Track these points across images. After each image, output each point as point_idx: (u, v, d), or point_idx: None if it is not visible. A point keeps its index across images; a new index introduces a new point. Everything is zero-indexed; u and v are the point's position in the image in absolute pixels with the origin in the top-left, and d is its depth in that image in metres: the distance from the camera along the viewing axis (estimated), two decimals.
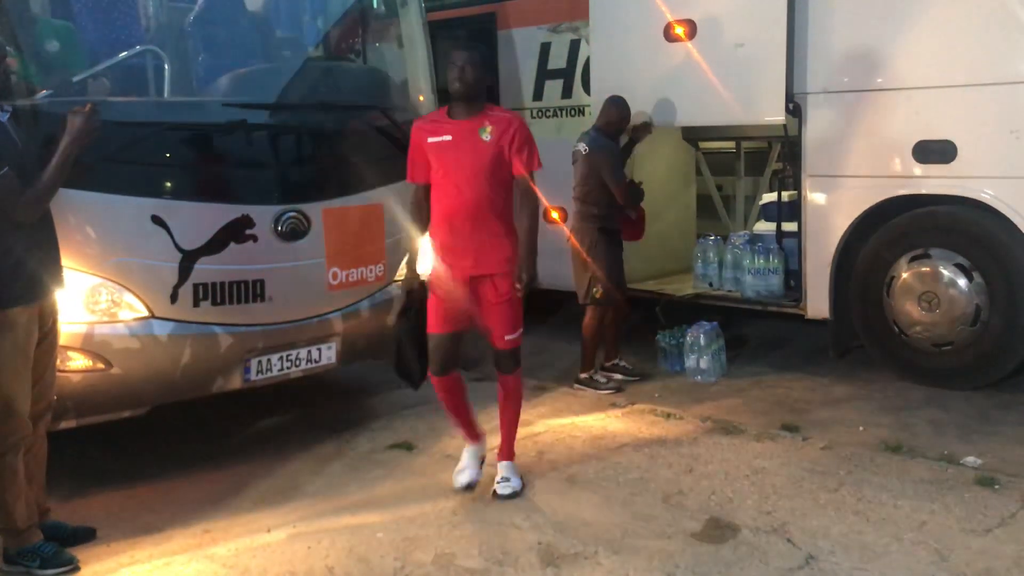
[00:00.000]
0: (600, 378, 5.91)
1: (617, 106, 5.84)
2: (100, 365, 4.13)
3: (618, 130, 5.90)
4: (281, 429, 5.22)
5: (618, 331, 6.06)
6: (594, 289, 5.76)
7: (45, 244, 3.56)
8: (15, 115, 3.62)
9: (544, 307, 7.35)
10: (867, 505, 3.94)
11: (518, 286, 4.03)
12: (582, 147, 5.78)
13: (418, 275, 4.20)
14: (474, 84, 3.97)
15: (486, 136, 3.94)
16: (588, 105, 6.72)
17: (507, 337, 4.15)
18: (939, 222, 5.39)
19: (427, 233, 4.15)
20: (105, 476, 4.51)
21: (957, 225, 5.32)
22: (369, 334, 4.97)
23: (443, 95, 5.87)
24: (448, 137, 3.97)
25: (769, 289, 6.19)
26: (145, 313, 4.21)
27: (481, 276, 4.04)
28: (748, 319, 6.94)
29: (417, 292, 4.20)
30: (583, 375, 5.90)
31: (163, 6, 4.94)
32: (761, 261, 6.20)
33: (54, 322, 3.67)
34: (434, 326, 4.09)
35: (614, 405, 5.50)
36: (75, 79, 4.34)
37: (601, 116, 5.91)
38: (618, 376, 5.98)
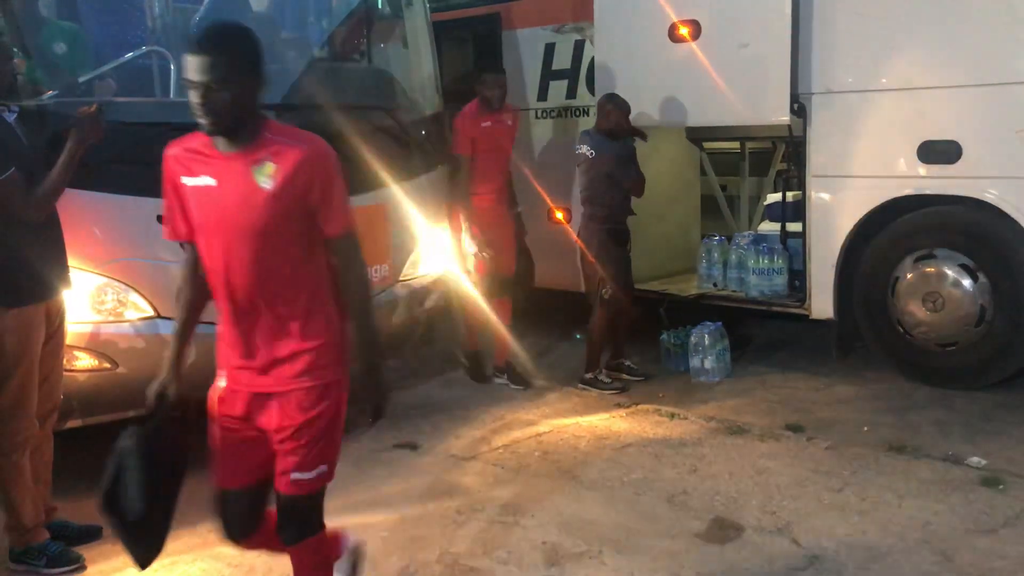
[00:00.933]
0: (604, 378, 5.91)
1: (615, 104, 5.79)
2: (106, 364, 4.15)
3: (617, 127, 5.80)
4: None
5: (623, 331, 6.06)
6: (603, 290, 5.77)
7: (52, 244, 3.58)
8: (22, 115, 3.64)
9: (546, 307, 7.36)
10: (871, 505, 3.94)
11: (368, 419, 2.70)
12: (587, 150, 5.75)
13: (171, 375, 2.75)
14: (230, 106, 2.41)
15: (264, 180, 2.45)
16: (592, 106, 6.72)
17: (296, 476, 2.61)
18: (944, 222, 5.38)
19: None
20: None
21: (962, 225, 5.32)
22: None
23: (448, 95, 5.94)
24: (210, 181, 2.51)
25: (773, 289, 6.19)
26: (151, 313, 4.22)
27: (270, 394, 2.60)
28: (752, 319, 6.93)
29: (166, 399, 2.76)
30: (588, 375, 5.90)
31: (169, 7, 4.95)
32: (765, 261, 6.19)
33: (61, 322, 3.68)
34: (226, 478, 2.70)
35: (618, 405, 5.51)
36: (81, 79, 4.36)
37: (599, 116, 5.89)
38: (624, 376, 5.99)
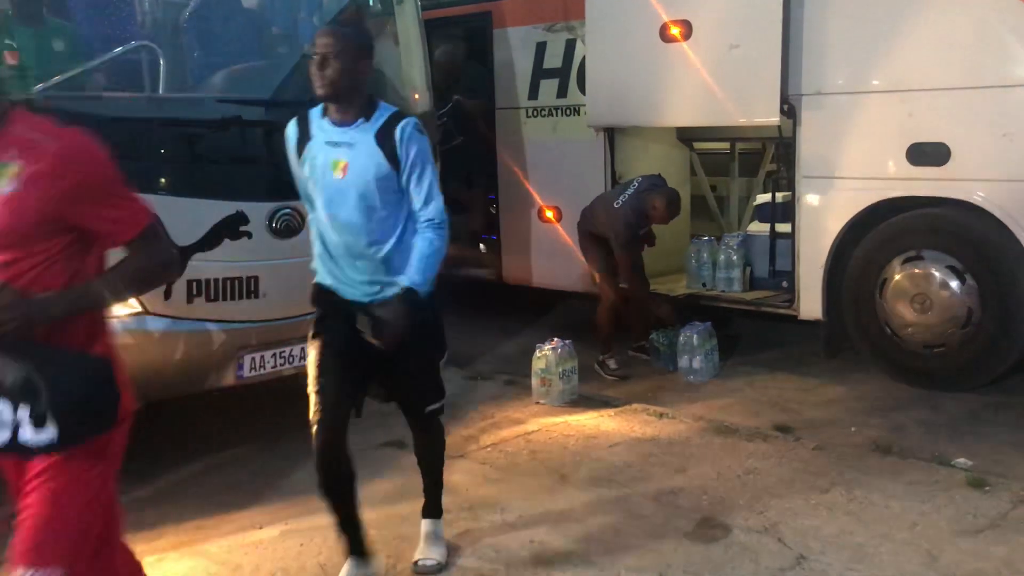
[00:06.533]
0: (612, 363, 6.10)
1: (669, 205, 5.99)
2: None
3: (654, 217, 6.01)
4: (273, 426, 5.22)
5: (637, 315, 6.34)
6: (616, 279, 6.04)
7: None
8: None
9: (536, 305, 7.36)
10: (858, 506, 3.95)
11: None
12: (623, 198, 5.95)
13: None
14: None
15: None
16: (583, 105, 6.72)
17: None
18: (932, 224, 5.40)
19: None
20: None
21: (950, 227, 5.34)
22: None
23: (439, 93, 5.94)
24: None
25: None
26: (139, 309, 4.19)
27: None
28: (741, 319, 6.95)
29: None
30: (599, 358, 6.10)
31: (158, 2, 4.92)
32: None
33: None
34: None
35: (607, 404, 5.51)
36: (70, 74, 4.32)
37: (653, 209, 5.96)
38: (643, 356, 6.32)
